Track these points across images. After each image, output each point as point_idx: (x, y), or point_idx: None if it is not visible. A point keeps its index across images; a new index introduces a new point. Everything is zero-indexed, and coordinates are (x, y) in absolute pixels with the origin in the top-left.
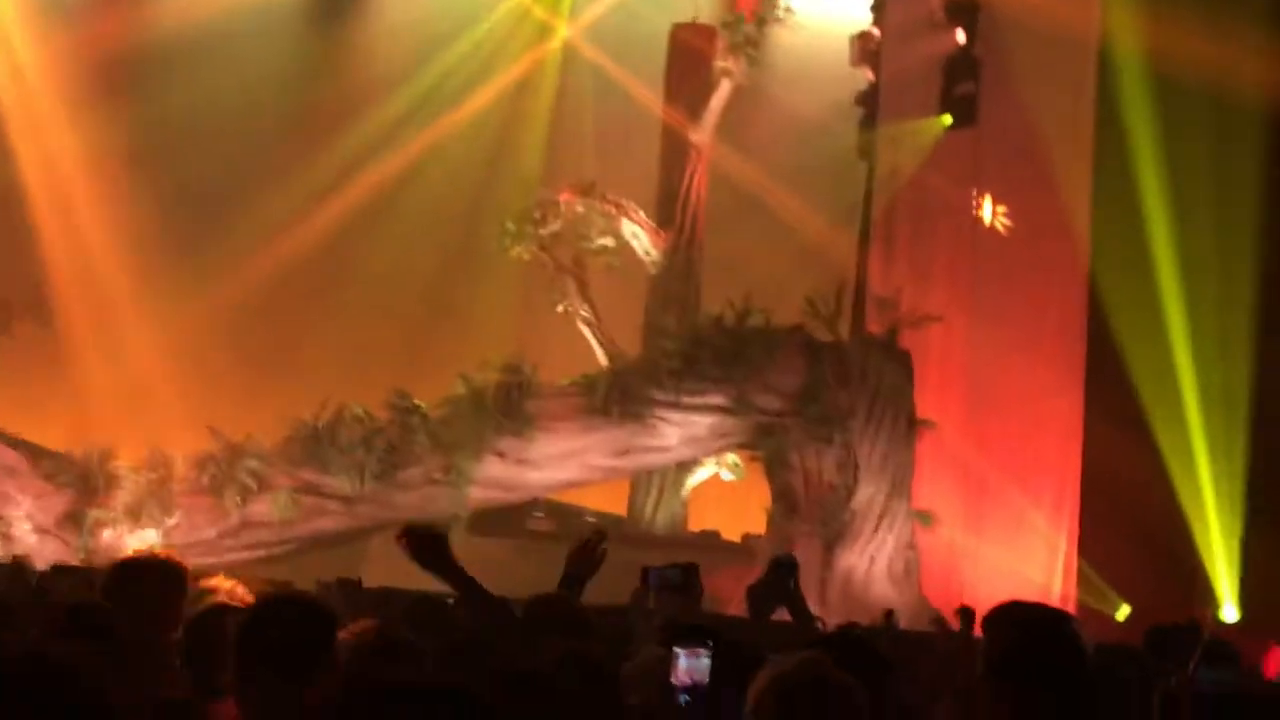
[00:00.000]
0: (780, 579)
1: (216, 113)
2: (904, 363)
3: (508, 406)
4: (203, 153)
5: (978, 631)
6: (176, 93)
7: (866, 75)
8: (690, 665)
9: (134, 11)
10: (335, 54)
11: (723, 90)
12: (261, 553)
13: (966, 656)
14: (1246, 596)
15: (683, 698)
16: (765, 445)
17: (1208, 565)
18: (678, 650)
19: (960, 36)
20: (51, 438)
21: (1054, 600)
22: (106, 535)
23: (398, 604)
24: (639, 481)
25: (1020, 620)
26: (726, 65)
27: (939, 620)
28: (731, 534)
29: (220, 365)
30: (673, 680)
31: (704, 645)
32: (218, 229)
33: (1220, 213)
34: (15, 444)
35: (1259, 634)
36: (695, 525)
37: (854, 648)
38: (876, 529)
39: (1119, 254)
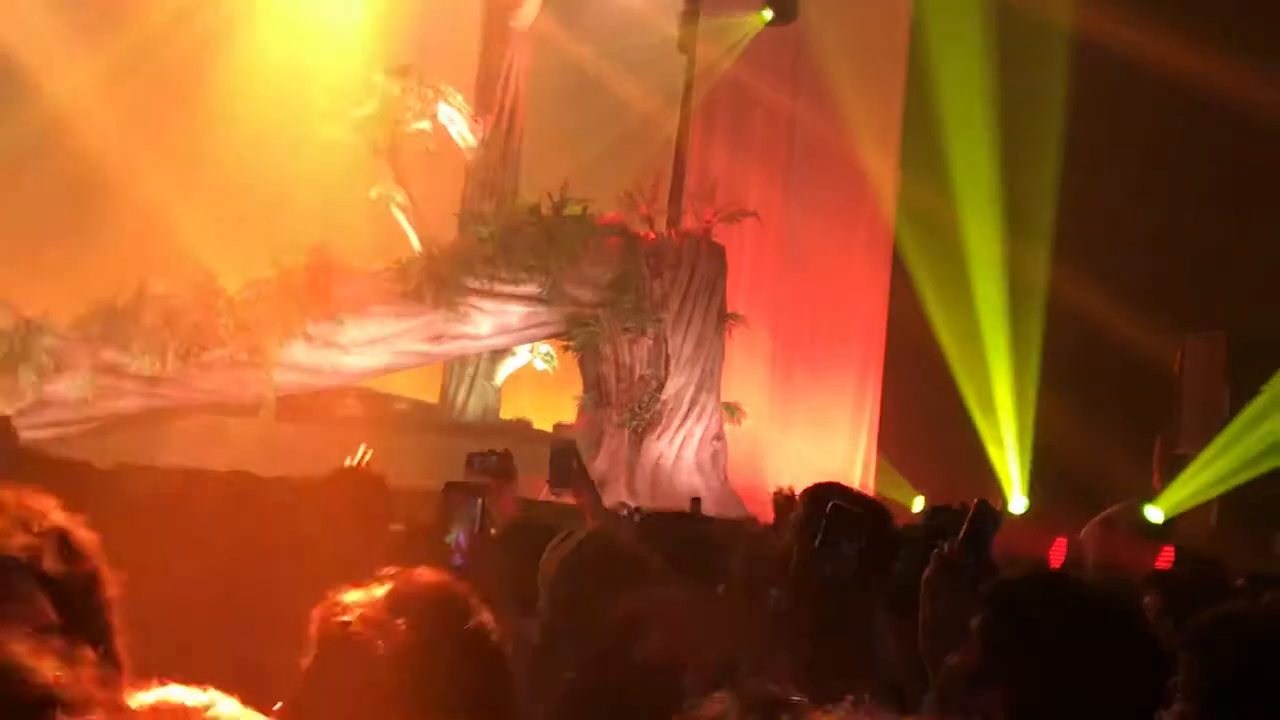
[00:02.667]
0: (562, 465)
1: None
2: (718, 257)
3: (317, 289)
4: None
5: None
6: None
7: None
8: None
9: None
10: None
11: None
12: (59, 432)
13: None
14: (1035, 490)
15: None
16: (578, 335)
17: (999, 459)
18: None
19: None
20: None
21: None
22: None
23: None
24: (451, 369)
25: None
26: None
27: (742, 507)
28: (544, 423)
29: (11, 237)
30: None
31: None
32: (11, 97)
33: (1026, 116)
34: None
35: (1046, 526)
36: (508, 414)
37: (659, 529)
38: (685, 420)
39: (928, 159)
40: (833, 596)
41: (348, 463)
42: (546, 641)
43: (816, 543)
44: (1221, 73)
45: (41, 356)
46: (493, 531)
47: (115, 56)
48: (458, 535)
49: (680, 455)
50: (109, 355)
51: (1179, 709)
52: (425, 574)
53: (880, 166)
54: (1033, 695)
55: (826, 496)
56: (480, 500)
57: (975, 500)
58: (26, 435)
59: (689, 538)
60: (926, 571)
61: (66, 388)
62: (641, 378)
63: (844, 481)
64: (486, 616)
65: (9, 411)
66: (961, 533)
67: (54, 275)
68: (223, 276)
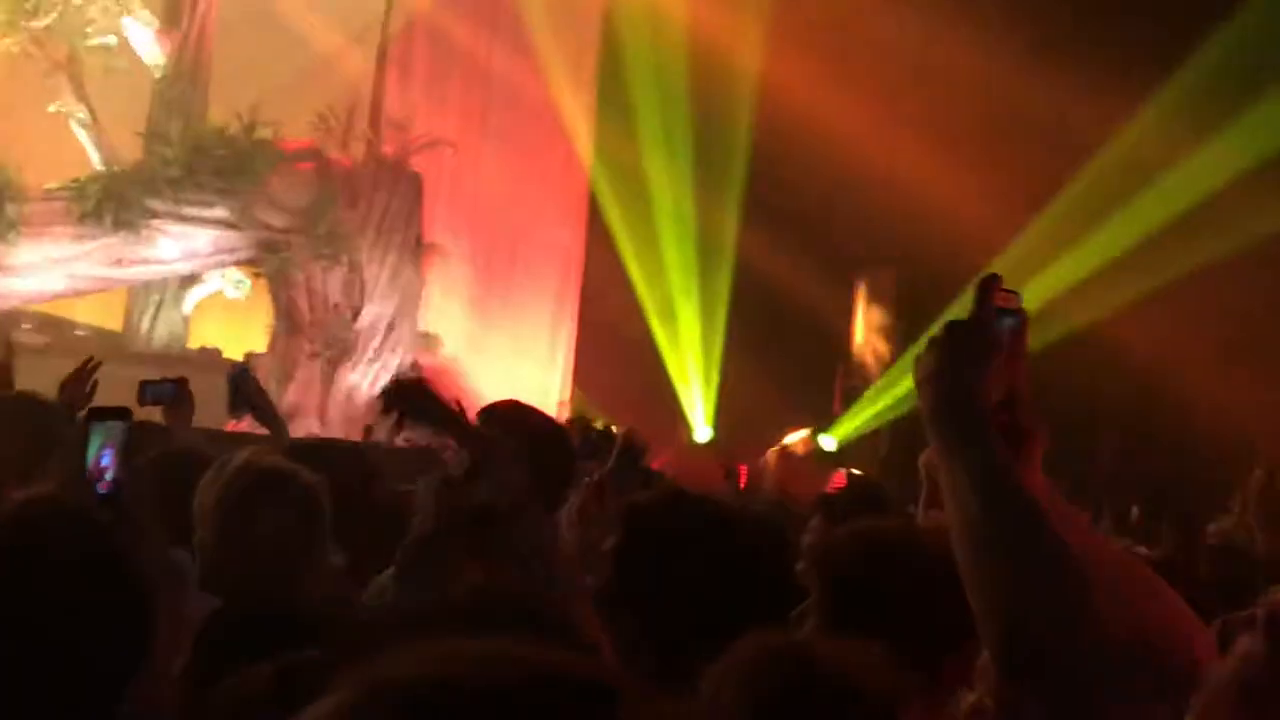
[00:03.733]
0: (239, 388)
1: None
2: (414, 185)
3: None
4: None
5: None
6: None
7: None
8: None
9: None
10: None
11: None
12: None
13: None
14: (720, 423)
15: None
16: (270, 263)
17: (685, 393)
18: (95, 432)
19: None
20: None
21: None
22: None
23: None
24: (136, 295)
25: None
26: None
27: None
28: (234, 352)
29: None
30: (97, 464)
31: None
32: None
33: (720, 74)
34: None
35: (729, 456)
36: (196, 342)
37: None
38: (381, 350)
39: (623, 109)
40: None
41: None
42: (206, 572)
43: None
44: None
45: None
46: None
47: None
48: (101, 460)
49: (374, 385)
50: None
51: (809, 625)
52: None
53: (575, 111)
54: (665, 617)
55: (506, 416)
56: (126, 425)
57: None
58: None
59: (349, 464)
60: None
61: None
62: (335, 306)
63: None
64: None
65: None
66: (612, 458)
67: None
68: None
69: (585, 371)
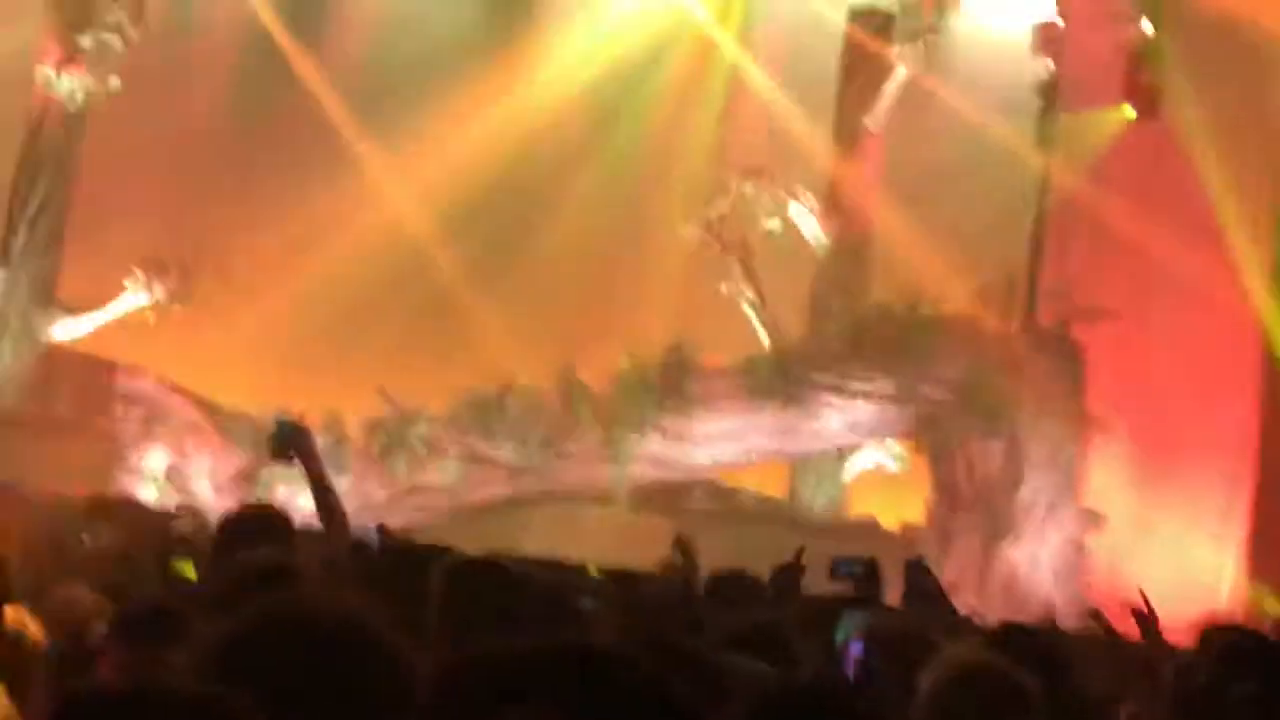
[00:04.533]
0: (916, 581)
1: (393, 85)
2: (1074, 357)
3: (671, 384)
4: (384, 124)
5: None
6: (351, 68)
7: (1046, 65)
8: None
9: None
10: (510, 29)
11: (898, 76)
12: (427, 518)
13: (1142, 661)
14: None
15: (855, 656)
16: (929, 435)
17: None
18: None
19: (1146, 27)
20: (231, 396)
21: (1222, 603)
22: (280, 493)
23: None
24: (799, 465)
25: None
26: (902, 52)
27: (1102, 620)
28: (891, 523)
29: (392, 333)
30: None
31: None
32: (377, 192)
33: None
34: (197, 401)
35: None
36: (855, 512)
37: (1026, 645)
38: (1040, 525)
39: None
40: None
41: None
42: None
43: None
44: None
45: (415, 445)
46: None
47: (480, 164)
48: (849, 647)
49: (1035, 563)
50: (476, 445)
51: None
52: None
53: (1251, 267)
54: None
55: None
56: (867, 614)
57: None
58: (396, 521)
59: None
60: None
61: (437, 475)
62: (994, 480)
63: (1212, 593)
64: None
65: (381, 496)
66: None
67: (428, 371)
68: (582, 370)
69: (1261, 556)
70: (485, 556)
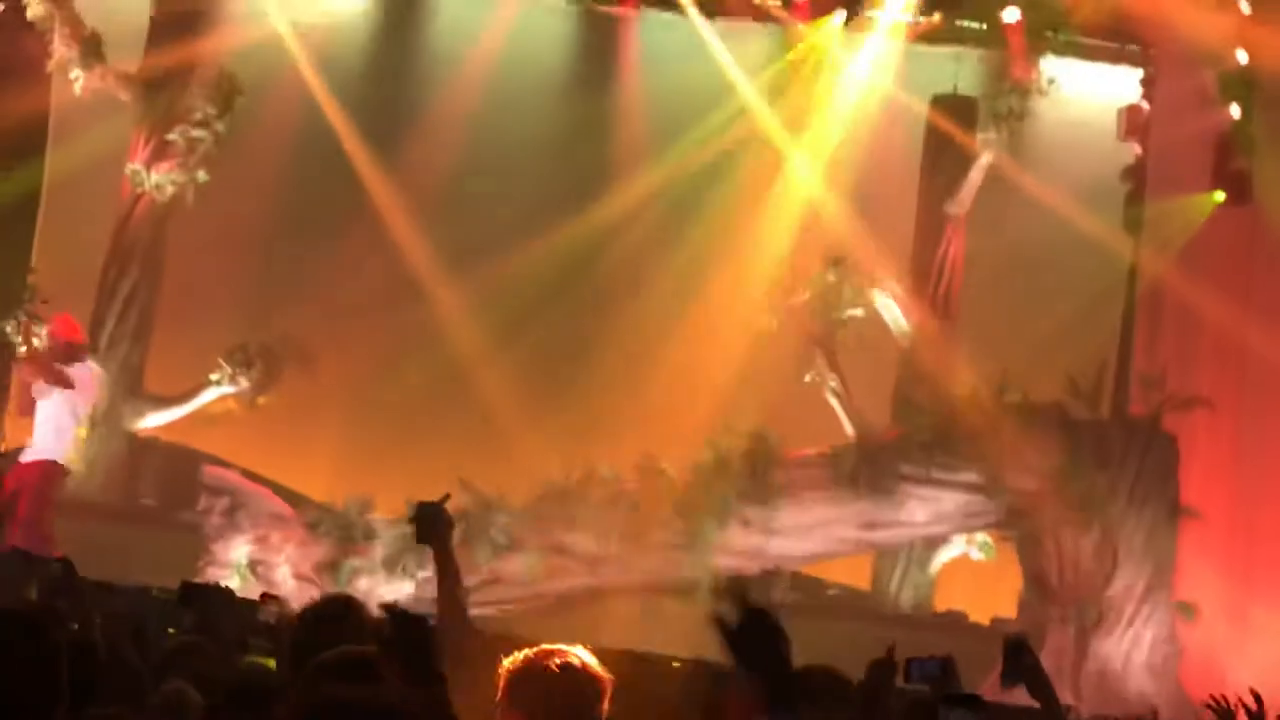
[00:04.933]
0: (1016, 659)
1: (478, 176)
2: (1168, 446)
3: (754, 474)
4: (466, 217)
5: None
6: (437, 162)
7: (1133, 150)
8: None
9: (406, 78)
10: (593, 122)
11: (982, 162)
12: (508, 609)
13: None
14: None
15: None
16: (1019, 526)
17: None
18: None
19: (1234, 111)
20: (314, 487)
21: None
22: (363, 585)
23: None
24: (884, 556)
25: None
26: (987, 136)
27: (1199, 716)
28: (980, 616)
29: (473, 423)
30: None
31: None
32: (476, 292)
33: None
34: (280, 492)
35: None
36: (941, 604)
37: None
38: (1134, 619)
39: None
40: None
41: None
42: None
43: None
44: None
45: (495, 534)
46: None
47: (560, 254)
48: None
49: (1129, 657)
50: (557, 535)
51: None
52: None
53: None
54: None
55: None
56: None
57: None
58: (476, 613)
59: None
60: None
61: (517, 566)
62: (1086, 572)
63: None
64: None
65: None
66: None
67: (509, 460)
68: (665, 460)
69: None
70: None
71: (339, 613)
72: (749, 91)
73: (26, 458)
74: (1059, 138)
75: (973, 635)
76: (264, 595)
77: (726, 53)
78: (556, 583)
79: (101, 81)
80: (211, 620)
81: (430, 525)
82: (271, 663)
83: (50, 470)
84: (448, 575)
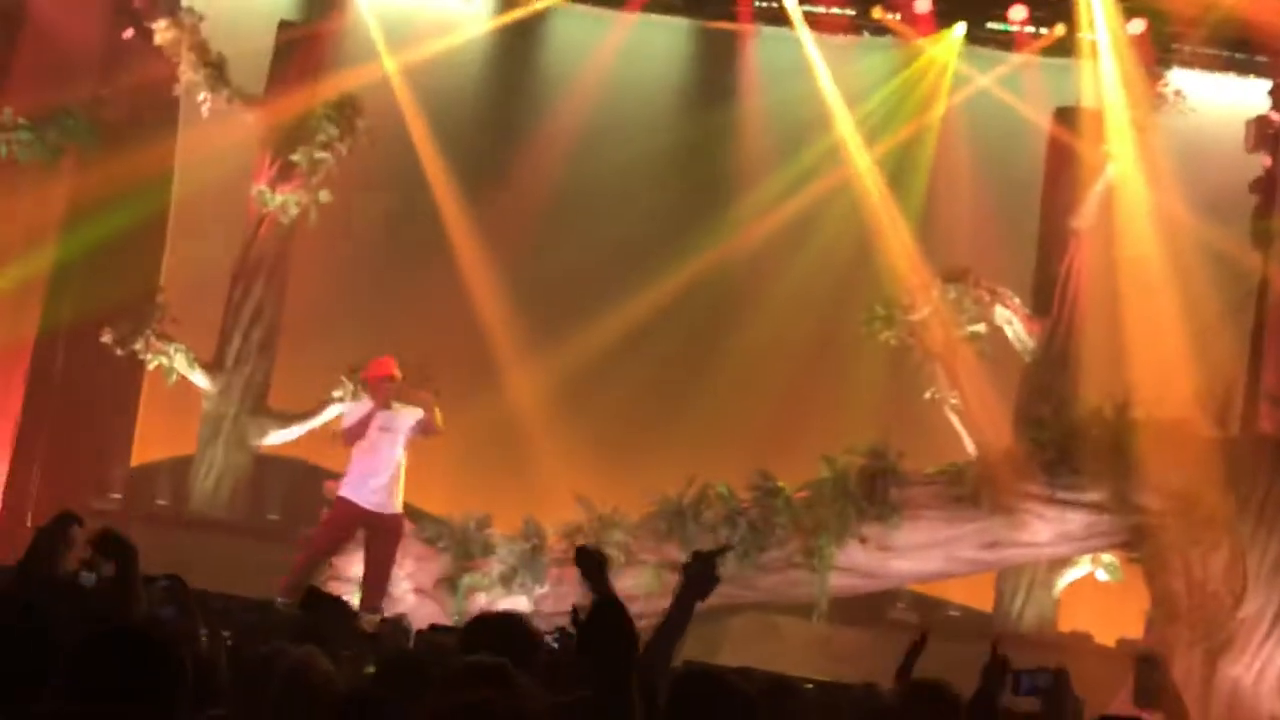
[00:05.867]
0: (1148, 677)
1: (590, 198)
2: None
3: (872, 492)
4: (579, 236)
5: None
6: (551, 179)
7: (1262, 161)
8: None
9: (519, 100)
10: (707, 140)
11: (1107, 175)
12: None
13: None
14: None
15: None
16: (1145, 546)
17: None
18: None
19: None
20: (433, 503)
21: None
22: (480, 600)
23: None
24: (1006, 576)
25: None
26: (1110, 150)
27: None
28: (1105, 638)
29: (588, 440)
30: None
31: None
32: (592, 308)
33: None
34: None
35: None
36: (1066, 626)
37: None
38: (1265, 641)
39: None
40: None
41: None
42: None
43: None
44: None
45: (612, 551)
46: None
47: (692, 259)
48: None
49: (1261, 679)
50: (673, 552)
51: None
52: None
53: None
54: None
55: None
56: None
57: None
58: None
59: None
60: None
61: (633, 583)
62: (1215, 594)
63: None
64: None
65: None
66: None
67: (625, 477)
68: (781, 477)
69: None
70: (699, 667)
71: (503, 628)
72: (867, 107)
73: (345, 492)
74: (1186, 150)
75: (1098, 657)
76: (363, 604)
77: (843, 69)
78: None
79: (227, 104)
80: (327, 629)
81: (590, 566)
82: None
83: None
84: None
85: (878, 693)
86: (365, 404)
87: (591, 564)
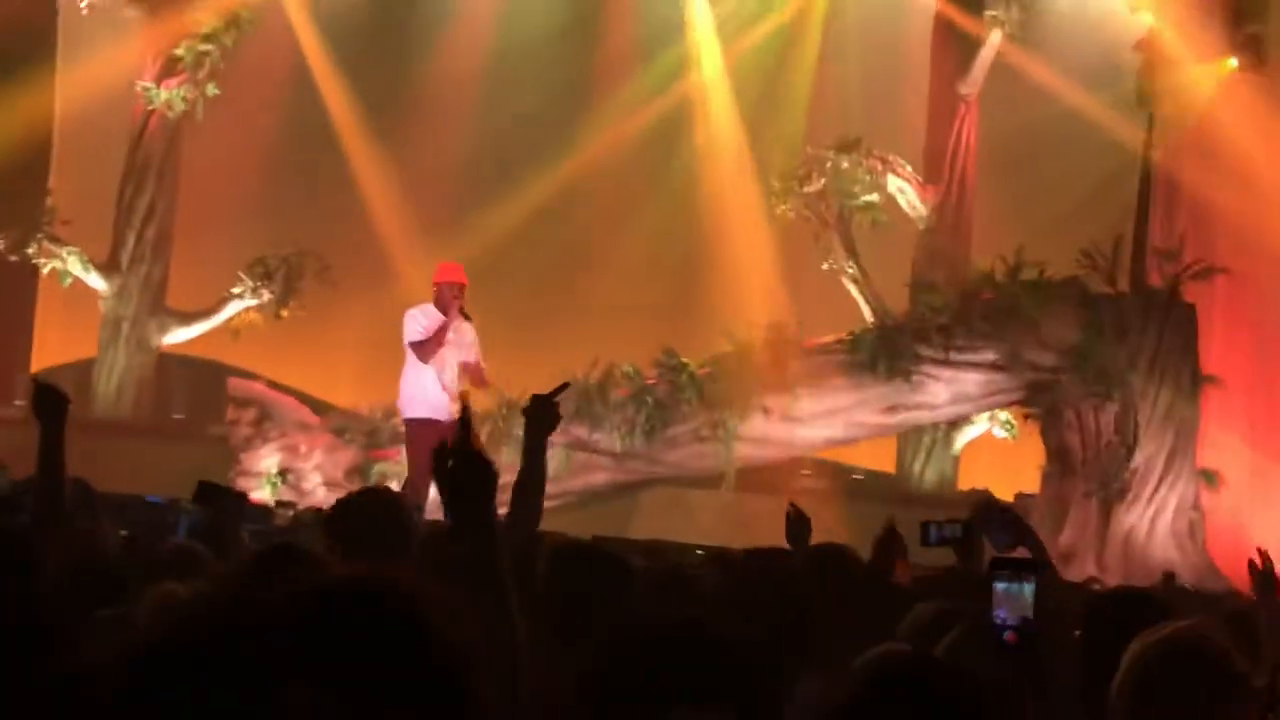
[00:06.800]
0: (988, 516)
1: (481, 80)
2: (1187, 316)
3: (774, 363)
4: (475, 121)
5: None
6: (437, 61)
7: (1145, 21)
8: (1013, 597)
9: None
10: (593, 18)
11: (992, 40)
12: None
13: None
14: None
15: (1005, 633)
16: (1040, 402)
17: None
18: (998, 584)
19: None
20: (339, 395)
21: None
22: (391, 487)
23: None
24: (907, 439)
25: None
26: (996, 15)
27: (1223, 581)
28: (1004, 493)
29: (494, 326)
30: (995, 615)
31: (1029, 576)
32: (484, 192)
33: None
34: (307, 401)
35: None
36: (966, 484)
37: (1141, 606)
38: (1157, 489)
39: None
40: None
41: None
42: None
43: None
44: None
45: (519, 433)
46: None
47: (585, 137)
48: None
49: (1154, 526)
50: (581, 432)
51: None
52: None
53: None
54: None
55: None
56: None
57: None
58: (503, 511)
59: None
60: None
61: None
62: (1109, 445)
63: None
64: None
65: None
66: None
67: (531, 357)
68: (685, 353)
69: None
70: (586, 541)
71: (373, 503)
72: None
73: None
74: (1069, 13)
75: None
76: (278, 502)
77: None
78: (582, 479)
79: (107, 1)
80: (223, 522)
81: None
82: None
83: None
84: (534, 464)
85: (779, 556)
86: (427, 312)
87: (45, 400)
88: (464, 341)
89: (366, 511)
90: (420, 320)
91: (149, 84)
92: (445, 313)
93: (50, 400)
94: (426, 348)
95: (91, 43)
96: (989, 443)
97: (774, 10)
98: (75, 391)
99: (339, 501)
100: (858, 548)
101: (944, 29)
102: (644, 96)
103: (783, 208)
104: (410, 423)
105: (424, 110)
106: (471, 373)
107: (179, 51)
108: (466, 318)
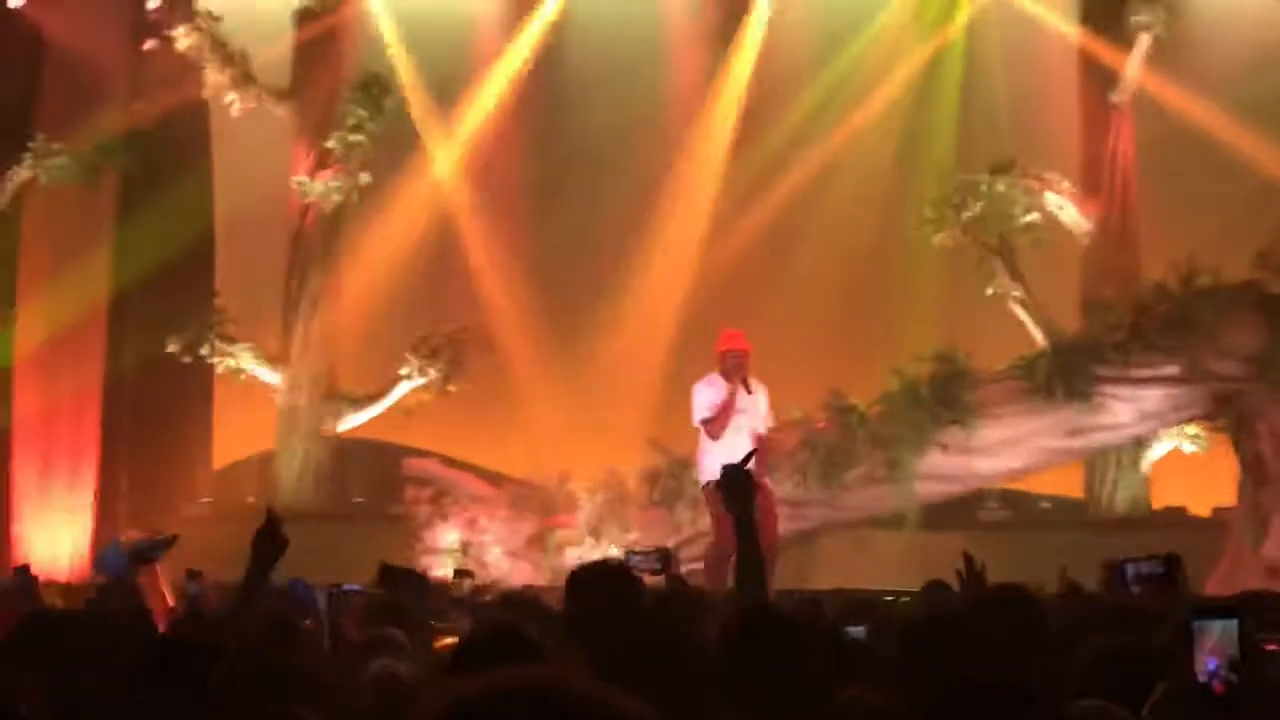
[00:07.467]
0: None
1: (617, 137)
2: None
3: (945, 397)
4: (610, 177)
5: None
6: (576, 123)
7: None
8: (1215, 640)
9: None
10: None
11: (1141, 44)
12: None
13: None
14: None
15: (1215, 675)
16: (1226, 414)
17: None
18: (1200, 625)
19: None
20: (513, 466)
21: None
22: (571, 555)
23: None
24: (1093, 462)
25: None
26: (1141, 19)
27: None
28: (1199, 509)
29: (657, 383)
30: (1204, 663)
31: (1231, 614)
32: (632, 249)
33: None
34: (482, 474)
35: None
36: (1159, 502)
37: None
38: None
39: None
40: None
41: None
42: None
43: None
44: None
45: (693, 489)
46: None
47: (734, 185)
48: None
49: None
50: None
51: None
52: None
53: None
54: None
55: None
56: (1239, 622)
57: None
58: (688, 569)
59: None
60: None
61: None
62: None
63: None
64: None
65: (669, 544)
66: None
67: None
68: (853, 394)
69: None
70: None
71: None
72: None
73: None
74: (1218, 8)
75: (1195, 529)
76: (456, 571)
77: None
78: None
79: (257, 101)
80: (408, 602)
81: (734, 487)
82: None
83: None
84: (747, 535)
85: (949, 598)
86: (715, 383)
87: (735, 485)
88: (756, 410)
89: (601, 585)
90: (707, 393)
91: (303, 178)
92: (729, 380)
93: (271, 538)
94: (712, 427)
95: (244, 143)
96: (1179, 459)
97: (913, 41)
98: (259, 484)
99: (572, 574)
100: (1048, 579)
101: (1089, 40)
102: (783, 142)
103: (939, 236)
104: (708, 486)
105: (557, 181)
106: (759, 444)
107: (330, 144)
108: (749, 389)
